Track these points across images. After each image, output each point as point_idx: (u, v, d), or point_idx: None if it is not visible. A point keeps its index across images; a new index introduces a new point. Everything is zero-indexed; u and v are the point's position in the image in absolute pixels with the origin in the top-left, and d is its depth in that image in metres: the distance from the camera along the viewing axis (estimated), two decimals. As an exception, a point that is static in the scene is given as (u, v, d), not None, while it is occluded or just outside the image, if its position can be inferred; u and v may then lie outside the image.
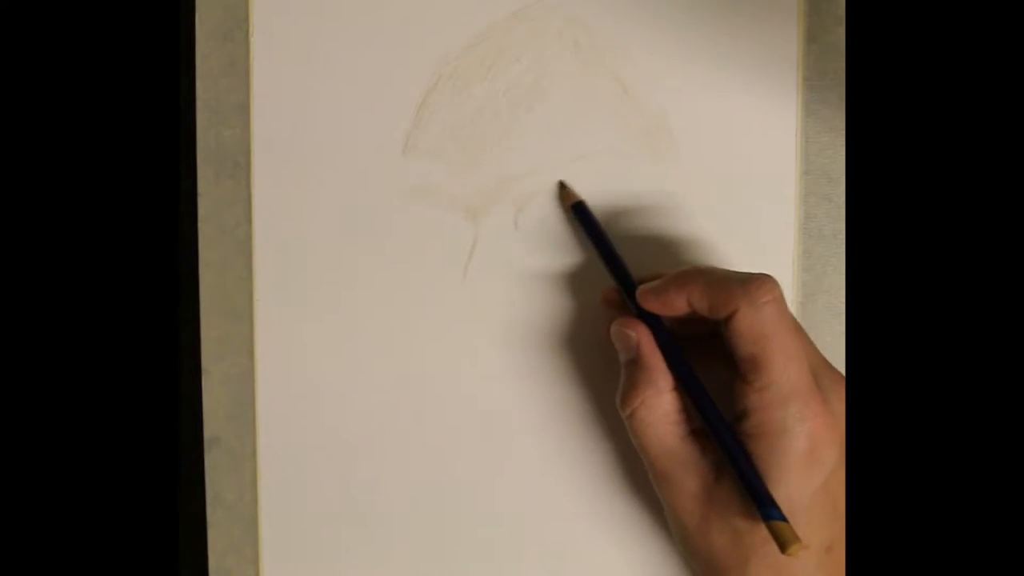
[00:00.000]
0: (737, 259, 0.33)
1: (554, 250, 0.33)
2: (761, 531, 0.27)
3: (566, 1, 0.33)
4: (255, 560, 0.34)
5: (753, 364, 0.27)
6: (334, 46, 0.33)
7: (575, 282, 0.33)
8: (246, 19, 0.33)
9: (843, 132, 0.33)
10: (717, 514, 0.28)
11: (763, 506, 0.26)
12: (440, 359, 0.34)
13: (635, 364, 0.30)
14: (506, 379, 0.34)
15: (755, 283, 0.28)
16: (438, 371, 0.34)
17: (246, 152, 0.34)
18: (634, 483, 0.33)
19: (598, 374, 0.33)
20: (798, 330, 0.29)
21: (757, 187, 0.33)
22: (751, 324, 0.27)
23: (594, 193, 0.33)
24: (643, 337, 0.30)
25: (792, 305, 0.33)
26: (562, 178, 0.33)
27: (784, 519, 0.26)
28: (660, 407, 0.29)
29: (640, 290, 0.30)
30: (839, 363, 0.33)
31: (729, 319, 0.28)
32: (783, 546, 0.26)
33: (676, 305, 0.29)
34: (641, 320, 0.30)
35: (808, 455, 0.27)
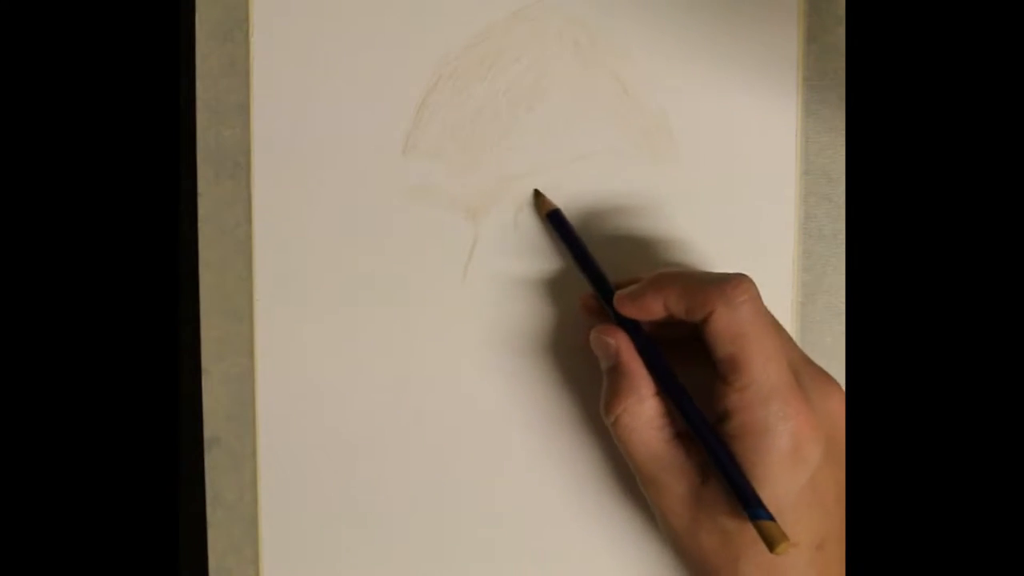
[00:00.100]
0: (737, 259, 0.33)
1: (554, 250, 0.33)
2: (750, 531, 0.27)
3: (566, 1, 0.33)
4: (255, 560, 0.34)
5: (732, 365, 0.27)
6: (334, 46, 0.33)
7: (575, 282, 0.33)
8: (246, 19, 0.33)
9: (843, 132, 0.33)
10: (705, 516, 0.28)
11: (750, 506, 0.27)
12: (440, 359, 0.34)
13: (616, 371, 0.30)
14: (506, 379, 0.34)
15: (731, 284, 0.28)
16: (438, 371, 0.34)
17: (246, 152, 0.34)
18: (635, 484, 0.33)
19: (599, 374, 0.33)
20: (776, 328, 0.29)
21: (757, 187, 0.33)
22: (728, 325, 0.27)
23: (594, 193, 0.33)
24: (622, 344, 0.30)
25: (792, 305, 0.33)
26: (562, 178, 0.33)
27: (771, 518, 0.26)
28: (643, 413, 0.29)
29: (617, 296, 0.30)
30: (839, 363, 0.33)
31: (706, 321, 0.28)
32: (771, 545, 0.26)
33: (653, 309, 0.29)
34: (620, 326, 0.30)
35: (792, 453, 0.27)
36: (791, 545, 0.26)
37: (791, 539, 0.26)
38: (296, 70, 0.33)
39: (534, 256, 0.33)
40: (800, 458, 0.27)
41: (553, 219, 0.33)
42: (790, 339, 0.30)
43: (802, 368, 0.29)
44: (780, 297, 0.33)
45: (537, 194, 0.33)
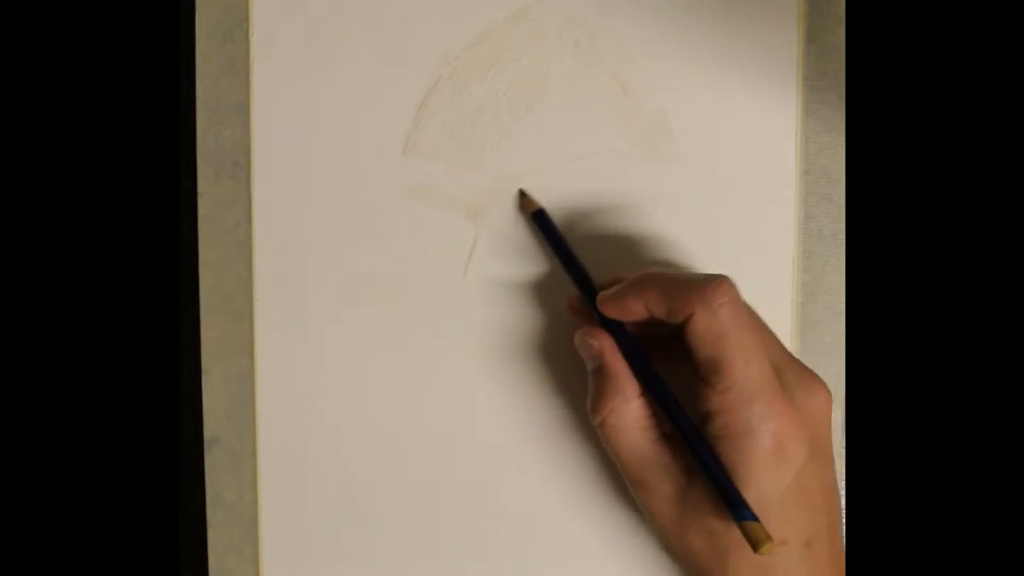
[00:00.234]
0: (737, 259, 0.33)
1: (552, 250, 0.33)
2: (736, 531, 0.27)
3: (566, 1, 0.33)
4: (255, 560, 0.34)
5: (713, 366, 0.27)
6: (334, 46, 0.33)
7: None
8: (246, 19, 0.33)
9: (843, 132, 0.33)
10: (692, 516, 0.28)
11: (734, 507, 0.27)
12: (440, 359, 0.34)
13: (601, 373, 0.30)
14: (506, 378, 0.34)
15: (710, 286, 0.27)
16: (438, 371, 0.34)
17: (246, 152, 0.34)
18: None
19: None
20: (758, 328, 0.29)
21: (757, 187, 0.33)
22: (708, 327, 0.27)
23: (593, 193, 0.33)
24: (606, 345, 0.30)
25: (792, 305, 0.33)
26: (562, 178, 0.33)
27: (755, 519, 0.26)
28: (629, 414, 0.29)
29: (599, 297, 0.30)
30: (839, 363, 0.33)
31: (687, 322, 0.28)
32: (755, 545, 0.26)
33: (635, 310, 0.29)
34: (604, 327, 0.30)
35: (775, 453, 0.27)
36: (776, 545, 0.26)
37: (778, 538, 0.26)
38: (296, 70, 0.33)
39: (534, 256, 0.33)
40: (784, 457, 0.27)
41: (538, 219, 0.33)
42: (773, 337, 0.30)
43: (786, 367, 0.29)
44: (780, 297, 0.33)
45: (522, 194, 0.33)
